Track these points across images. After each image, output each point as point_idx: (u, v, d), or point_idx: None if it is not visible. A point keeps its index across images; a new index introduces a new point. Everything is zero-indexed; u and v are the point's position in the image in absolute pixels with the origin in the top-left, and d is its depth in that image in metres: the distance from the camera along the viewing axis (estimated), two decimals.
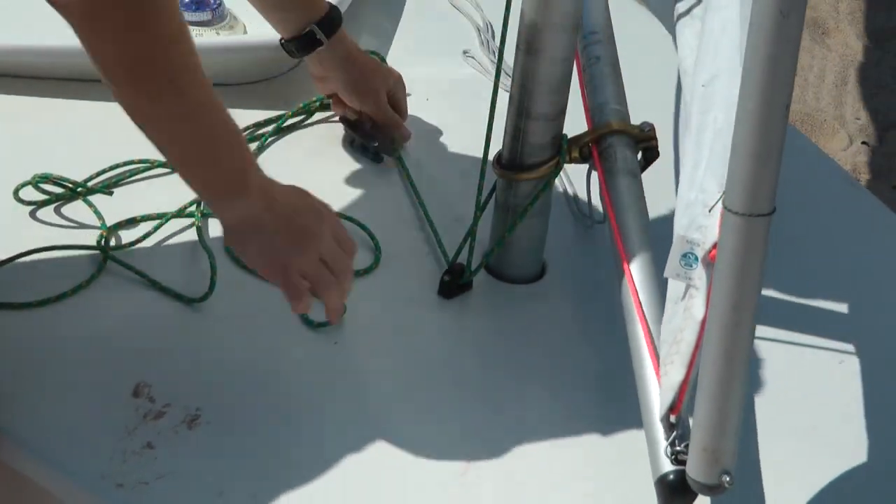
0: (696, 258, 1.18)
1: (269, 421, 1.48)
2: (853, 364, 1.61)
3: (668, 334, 1.27)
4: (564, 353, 1.62)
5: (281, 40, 1.83)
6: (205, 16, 2.02)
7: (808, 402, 1.56)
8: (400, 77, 1.88)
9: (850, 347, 1.63)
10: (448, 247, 1.68)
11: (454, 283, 1.64)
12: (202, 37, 2.00)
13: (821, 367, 1.61)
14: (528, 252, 1.68)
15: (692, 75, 1.40)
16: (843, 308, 1.71)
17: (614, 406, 1.53)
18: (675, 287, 1.26)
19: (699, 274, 1.18)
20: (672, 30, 1.62)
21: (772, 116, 1.01)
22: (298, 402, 1.51)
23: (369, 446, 1.46)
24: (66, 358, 1.53)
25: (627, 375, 1.55)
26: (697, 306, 1.19)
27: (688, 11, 1.56)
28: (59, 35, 1.98)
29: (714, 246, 1.16)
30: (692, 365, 1.21)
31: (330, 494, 1.41)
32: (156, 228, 1.69)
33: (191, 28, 1.99)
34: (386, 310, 1.64)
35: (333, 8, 1.81)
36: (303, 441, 1.46)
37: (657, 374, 1.30)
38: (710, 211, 1.17)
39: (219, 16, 2.03)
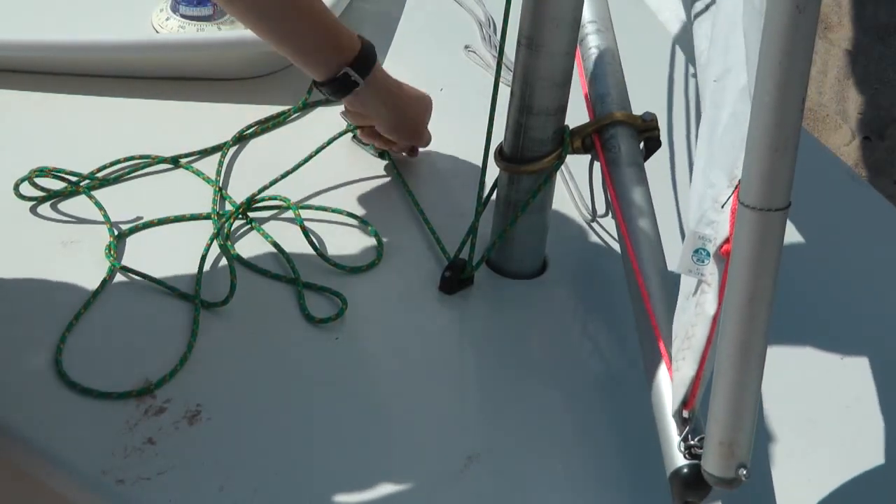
0: (708, 253, 1.18)
1: (269, 416, 1.48)
2: (854, 360, 1.61)
3: (679, 329, 1.27)
4: (566, 348, 1.62)
5: (313, 82, 1.72)
6: (206, 11, 2.02)
7: (808, 398, 1.56)
8: (431, 102, 1.82)
9: (851, 343, 1.63)
10: (450, 242, 1.68)
11: (455, 279, 1.64)
12: (204, 32, 2.00)
13: (821, 363, 1.61)
14: (529, 247, 1.68)
15: (705, 70, 1.40)
16: (844, 304, 1.71)
17: (616, 401, 1.53)
18: (687, 282, 1.26)
19: (711, 269, 1.19)
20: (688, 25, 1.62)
21: (787, 111, 1.02)
22: (299, 397, 1.51)
23: (370, 441, 1.46)
24: (67, 354, 1.52)
25: (629, 370, 1.55)
26: (709, 302, 1.19)
27: (706, 8, 1.56)
28: (58, 30, 2.00)
29: (725, 241, 1.16)
30: (704, 360, 1.21)
31: (330, 489, 1.41)
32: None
33: (192, 23, 2.01)
34: (387, 305, 1.64)
35: (367, 45, 1.70)
36: (303, 436, 1.46)
37: (669, 369, 1.30)
38: (722, 206, 1.17)
39: (220, 11, 2.02)
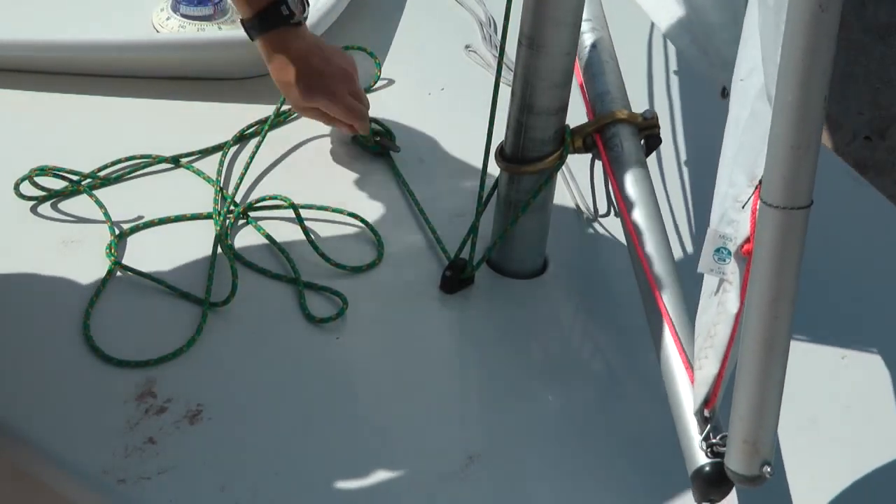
0: (729, 253, 1.19)
1: (270, 416, 1.48)
2: (855, 360, 1.61)
3: (701, 328, 1.27)
4: (566, 347, 1.62)
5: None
6: (206, 10, 2.02)
7: (809, 397, 1.56)
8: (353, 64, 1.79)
9: (852, 343, 1.63)
10: (450, 242, 1.68)
11: (456, 278, 1.64)
12: (204, 31, 2.00)
13: (822, 362, 1.61)
14: (530, 247, 1.68)
15: (734, 70, 1.40)
16: (846, 304, 1.70)
17: (616, 401, 1.53)
18: (709, 281, 1.26)
19: (732, 268, 1.19)
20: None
21: (810, 109, 1.02)
22: (300, 397, 1.51)
23: (371, 441, 1.46)
24: (68, 354, 1.52)
25: (629, 370, 1.55)
26: (731, 300, 1.19)
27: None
28: (58, 30, 2.00)
29: (746, 240, 1.16)
30: (727, 359, 1.22)
31: (331, 488, 1.41)
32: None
33: (192, 23, 2.01)
34: (388, 305, 1.64)
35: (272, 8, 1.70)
36: (304, 435, 1.46)
37: (686, 368, 1.30)
38: (742, 207, 1.17)
39: (220, 10, 2.03)
